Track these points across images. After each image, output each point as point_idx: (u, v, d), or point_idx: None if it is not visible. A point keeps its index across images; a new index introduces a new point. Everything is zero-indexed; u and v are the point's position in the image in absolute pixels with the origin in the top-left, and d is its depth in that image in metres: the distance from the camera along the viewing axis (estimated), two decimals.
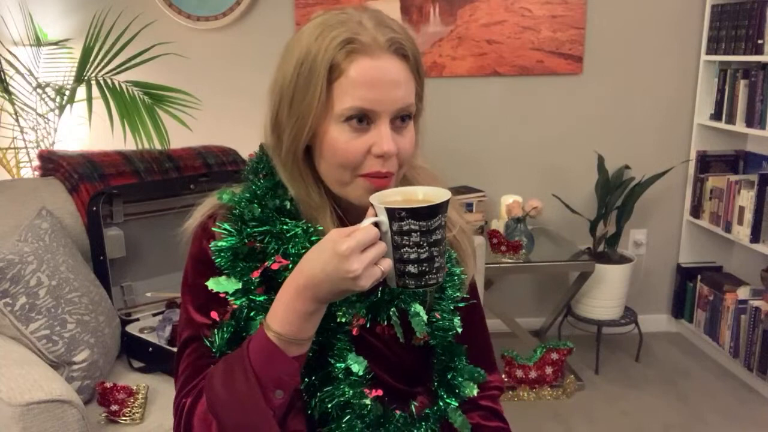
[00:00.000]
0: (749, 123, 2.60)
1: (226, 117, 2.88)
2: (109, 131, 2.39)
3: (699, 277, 2.96)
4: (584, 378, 2.70)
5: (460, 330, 0.93)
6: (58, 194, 1.92)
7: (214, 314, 0.86)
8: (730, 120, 2.72)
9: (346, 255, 0.71)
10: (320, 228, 0.86)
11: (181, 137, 2.54)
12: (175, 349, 1.75)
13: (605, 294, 2.78)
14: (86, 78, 2.49)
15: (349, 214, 0.90)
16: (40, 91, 2.57)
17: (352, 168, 0.83)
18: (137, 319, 1.89)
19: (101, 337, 1.65)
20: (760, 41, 2.54)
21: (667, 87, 2.96)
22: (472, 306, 1.00)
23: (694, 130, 2.96)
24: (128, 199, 1.93)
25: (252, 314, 0.83)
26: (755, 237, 2.59)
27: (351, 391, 0.84)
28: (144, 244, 1.98)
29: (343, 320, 0.84)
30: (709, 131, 2.92)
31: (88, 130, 2.59)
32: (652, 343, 3.01)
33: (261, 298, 0.84)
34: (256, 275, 0.84)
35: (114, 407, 1.53)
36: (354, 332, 0.86)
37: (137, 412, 1.54)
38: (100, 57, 2.52)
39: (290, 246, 0.84)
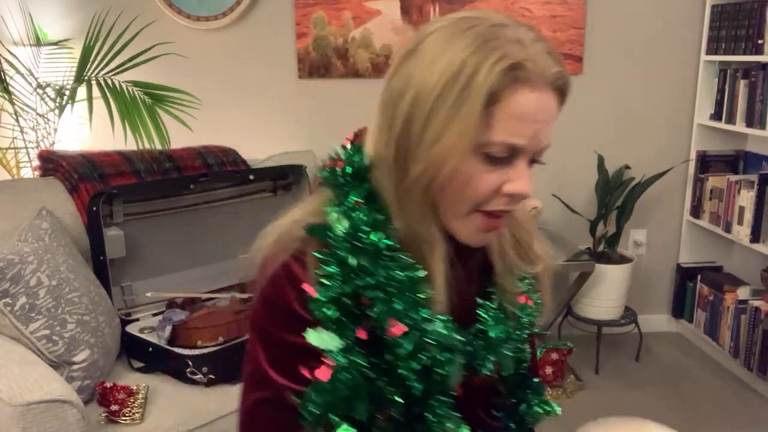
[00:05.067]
0: (749, 123, 2.60)
1: (226, 117, 2.88)
2: (110, 131, 2.39)
3: (699, 277, 2.96)
4: (584, 378, 2.70)
5: (528, 359, 0.87)
6: (58, 194, 1.92)
7: (305, 372, 0.73)
8: (730, 120, 2.72)
9: None
10: (423, 275, 0.75)
11: (181, 137, 2.55)
12: (175, 349, 1.75)
13: (605, 294, 2.78)
14: (86, 78, 2.49)
15: (460, 251, 0.79)
16: (40, 91, 2.57)
17: (477, 203, 0.74)
18: (137, 319, 1.89)
19: (101, 337, 1.65)
20: (760, 41, 2.54)
21: (667, 87, 2.96)
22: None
23: (694, 130, 2.95)
24: (128, 199, 1.93)
25: (352, 377, 0.72)
26: (755, 237, 2.58)
27: None
28: (144, 244, 1.98)
29: (446, 374, 0.74)
30: (709, 131, 2.92)
31: (88, 130, 2.59)
32: (652, 343, 3.01)
33: (362, 360, 0.73)
34: (362, 335, 0.73)
35: (114, 407, 1.53)
36: (458, 392, 0.76)
37: (137, 412, 1.54)
38: (100, 57, 2.52)
39: (396, 302, 0.73)
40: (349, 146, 0.80)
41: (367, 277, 0.72)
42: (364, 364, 0.72)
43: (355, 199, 0.75)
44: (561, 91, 0.74)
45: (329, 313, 0.71)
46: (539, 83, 0.70)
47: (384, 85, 0.76)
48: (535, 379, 0.89)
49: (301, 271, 0.73)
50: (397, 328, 0.72)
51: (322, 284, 0.72)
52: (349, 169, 0.77)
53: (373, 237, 0.73)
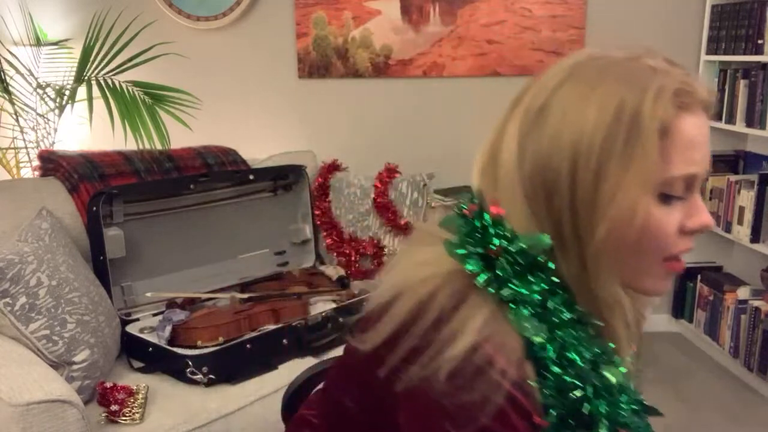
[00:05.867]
0: (749, 123, 2.60)
1: (226, 117, 2.88)
2: (110, 131, 2.39)
3: (699, 277, 2.96)
4: None
5: None
6: (58, 194, 1.92)
7: None
8: (730, 120, 2.72)
9: None
10: (624, 371, 0.68)
11: (181, 137, 2.55)
12: (175, 349, 1.76)
13: None
14: (86, 78, 2.49)
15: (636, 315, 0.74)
16: (40, 91, 2.57)
17: (666, 251, 0.68)
18: (137, 319, 1.89)
19: (101, 337, 1.65)
20: (760, 41, 2.54)
21: None
22: None
23: None
24: (128, 199, 1.93)
25: None
26: (755, 237, 2.58)
27: None
28: (144, 244, 1.97)
29: None
30: (709, 131, 2.91)
31: (88, 130, 2.59)
32: (652, 343, 3.01)
33: None
34: None
35: (114, 407, 1.53)
36: None
37: (137, 412, 1.54)
38: (100, 57, 2.52)
39: (615, 409, 0.67)
40: (484, 225, 0.68)
41: (587, 386, 0.64)
42: None
43: (538, 297, 0.66)
44: (708, 110, 0.71)
45: None
46: (696, 106, 0.67)
47: (514, 158, 0.68)
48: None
49: (527, 401, 0.63)
50: None
51: (547, 408, 0.64)
52: (521, 258, 0.66)
53: (585, 343, 0.65)
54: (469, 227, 0.69)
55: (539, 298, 0.65)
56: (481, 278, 0.65)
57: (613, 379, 0.66)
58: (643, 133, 0.63)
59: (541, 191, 0.66)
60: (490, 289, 0.65)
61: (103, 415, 1.53)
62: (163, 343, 1.72)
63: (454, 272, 0.67)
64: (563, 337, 0.65)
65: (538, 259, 0.66)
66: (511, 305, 0.65)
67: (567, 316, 0.66)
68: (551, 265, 0.66)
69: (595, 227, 0.64)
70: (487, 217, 0.68)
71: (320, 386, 0.95)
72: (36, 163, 2.13)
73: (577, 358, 0.65)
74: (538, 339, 0.64)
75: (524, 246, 0.66)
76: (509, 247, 0.66)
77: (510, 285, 0.65)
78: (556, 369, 0.64)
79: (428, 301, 0.65)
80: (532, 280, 0.66)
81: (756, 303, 2.60)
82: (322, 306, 1.98)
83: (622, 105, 0.63)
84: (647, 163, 0.63)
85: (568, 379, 0.64)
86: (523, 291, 0.65)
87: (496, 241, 0.67)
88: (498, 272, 0.66)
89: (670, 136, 0.64)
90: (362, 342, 0.70)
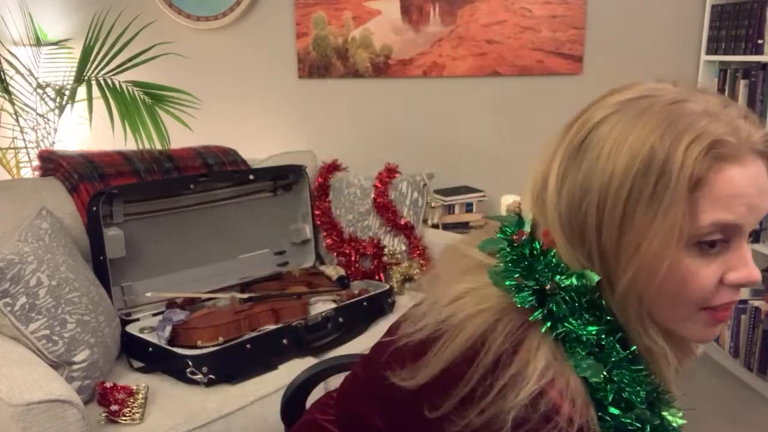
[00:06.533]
0: None
1: (226, 117, 2.88)
2: (110, 131, 2.39)
3: None
4: None
5: None
6: (58, 194, 1.92)
7: None
8: None
9: None
10: (673, 407, 0.68)
11: (181, 137, 2.55)
12: (175, 349, 1.76)
13: None
14: (86, 78, 2.49)
15: (682, 355, 0.72)
16: (40, 91, 2.58)
17: (701, 303, 0.65)
18: (137, 319, 1.89)
19: (101, 337, 1.65)
20: (760, 41, 2.54)
21: None
22: None
23: None
24: (128, 199, 1.93)
25: None
26: (755, 237, 2.58)
27: None
28: (144, 244, 1.98)
29: None
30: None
31: (88, 130, 2.59)
32: None
33: None
34: None
35: (114, 407, 1.53)
36: None
37: (137, 412, 1.54)
38: (100, 57, 2.52)
39: None
40: (533, 254, 0.67)
41: (646, 427, 0.63)
42: None
43: (593, 336, 0.64)
44: (765, 156, 0.65)
45: None
46: (745, 154, 0.62)
47: (554, 194, 0.67)
48: None
49: None
50: None
51: None
52: (576, 294, 0.64)
53: (641, 383, 0.64)
54: (515, 254, 0.67)
55: (594, 336, 0.63)
56: (536, 315, 0.64)
57: (672, 420, 0.65)
58: (671, 185, 0.60)
59: (576, 231, 0.65)
60: (542, 328, 0.64)
61: (103, 415, 1.53)
62: (163, 343, 1.72)
63: (505, 308, 0.65)
64: (620, 377, 0.63)
65: (593, 295, 0.64)
66: (567, 344, 0.63)
67: (622, 355, 0.64)
68: (604, 303, 0.65)
69: (619, 275, 0.63)
70: (537, 246, 0.67)
71: (332, 389, 0.94)
72: (36, 163, 2.14)
73: (635, 398, 0.63)
74: (596, 379, 0.62)
75: (575, 282, 0.64)
76: (561, 282, 0.65)
77: (566, 323, 0.63)
78: (614, 410, 0.62)
79: (482, 341, 0.63)
80: (588, 317, 0.64)
81: (756, 303, 2.60)
82: (322, 306, 1.98)
83: (652, 154, 0.60)
84: (673, 215, 0.60)
85: (626, 420, 0.62)
86: (581, 330, 0.63)
87: (548, 274, 0.65)
88: (552, 307, 0.64)
89: (702, 189, 0.61)
90: (402, 379, 0.67)
